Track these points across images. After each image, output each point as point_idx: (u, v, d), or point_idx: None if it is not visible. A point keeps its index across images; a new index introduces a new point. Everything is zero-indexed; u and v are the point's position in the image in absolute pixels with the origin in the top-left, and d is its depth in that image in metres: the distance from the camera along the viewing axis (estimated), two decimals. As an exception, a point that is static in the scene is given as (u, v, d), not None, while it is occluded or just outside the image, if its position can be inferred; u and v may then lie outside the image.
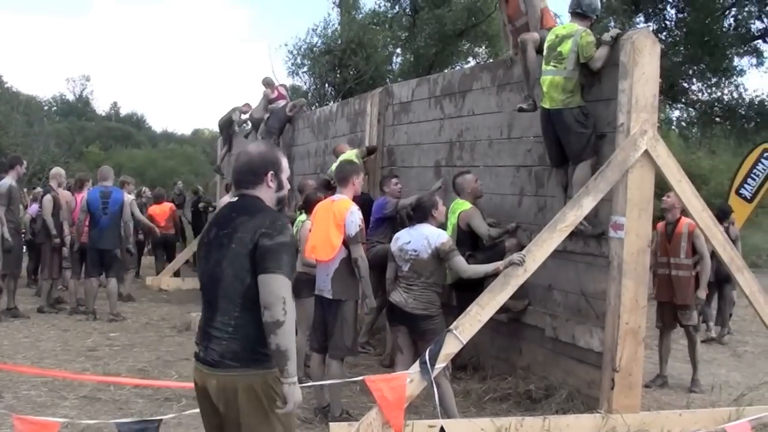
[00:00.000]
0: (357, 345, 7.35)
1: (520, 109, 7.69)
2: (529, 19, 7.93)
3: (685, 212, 8.10)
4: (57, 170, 12.79)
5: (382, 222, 9.07)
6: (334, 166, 10.31)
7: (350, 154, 10.61)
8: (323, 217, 6.79)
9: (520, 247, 7.12)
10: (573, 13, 7.27)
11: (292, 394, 3.46)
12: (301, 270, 7.49)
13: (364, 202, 8.07)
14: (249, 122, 17.52)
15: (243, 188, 3.76)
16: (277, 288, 3.44)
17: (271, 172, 3.75)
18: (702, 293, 8.73)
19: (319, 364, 6.95)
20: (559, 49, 7.08)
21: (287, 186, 3.86)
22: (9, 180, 11.15)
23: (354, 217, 6.63)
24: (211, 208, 18.09)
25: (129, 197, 12.65)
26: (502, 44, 15.61)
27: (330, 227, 6.65)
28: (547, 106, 7.19)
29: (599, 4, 7.73)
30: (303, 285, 7.40)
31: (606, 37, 6.96)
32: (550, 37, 7.27)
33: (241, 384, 3.54)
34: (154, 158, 45.30)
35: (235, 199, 3.78)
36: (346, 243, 6.64)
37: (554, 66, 7.10)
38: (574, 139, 7.06)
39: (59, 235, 11.93)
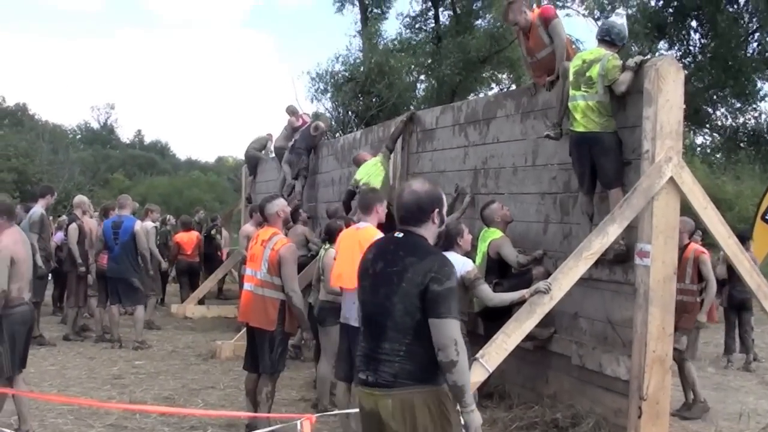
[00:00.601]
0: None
1: (547, 136, 7.67)
2: (556, 47, 7.89)
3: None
4: (81, 198, 12.90)
5: None
6: (356, 176, 10.37)
7: (374, 161, 10.65)
8: (348, 245, 6.80)
9: (547, 274, 7.08)
10: (601, 40, 7.25)
11: (472, 421, 3.81)
12: (326, 298, 7.51)
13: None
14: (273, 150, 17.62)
15: (410, 225, 3.94)
16: (449, 331, 3.70)
17: (437, 209, 3.94)
18: (702, 317, 8.67)
19: (345, 392, 6.93)
20: (588, 74, 7.04)
21: (446, 220, 4.07)
22: (39, 208, 11.29)
23: (379, 245, 6.63)
24: (219, 235, 18.08)
25: (149, 225, 12.73)
26: (524, 69, 15.68)
27: (356, 255, 6.58)
28: (582, 129, 7.08)
29: (627, 33, 7.72)
30: (328, 313, 7.43)
31: (630, 62, 6.94)
32: (576, 62, 7.23)
33: (417, 400, 3.78)
34: (178, 186, 45.59)
35: (401, 235, 3.95)
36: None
37: (585, 91, 7.05)
38: (610, 164, 6.99)
39: (84, 264, 12.02)
